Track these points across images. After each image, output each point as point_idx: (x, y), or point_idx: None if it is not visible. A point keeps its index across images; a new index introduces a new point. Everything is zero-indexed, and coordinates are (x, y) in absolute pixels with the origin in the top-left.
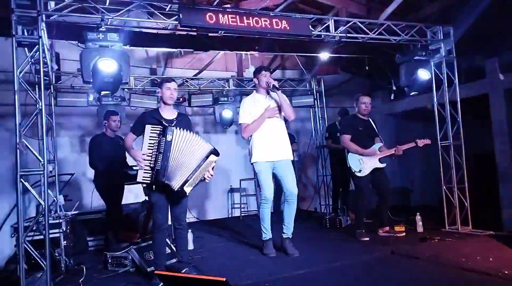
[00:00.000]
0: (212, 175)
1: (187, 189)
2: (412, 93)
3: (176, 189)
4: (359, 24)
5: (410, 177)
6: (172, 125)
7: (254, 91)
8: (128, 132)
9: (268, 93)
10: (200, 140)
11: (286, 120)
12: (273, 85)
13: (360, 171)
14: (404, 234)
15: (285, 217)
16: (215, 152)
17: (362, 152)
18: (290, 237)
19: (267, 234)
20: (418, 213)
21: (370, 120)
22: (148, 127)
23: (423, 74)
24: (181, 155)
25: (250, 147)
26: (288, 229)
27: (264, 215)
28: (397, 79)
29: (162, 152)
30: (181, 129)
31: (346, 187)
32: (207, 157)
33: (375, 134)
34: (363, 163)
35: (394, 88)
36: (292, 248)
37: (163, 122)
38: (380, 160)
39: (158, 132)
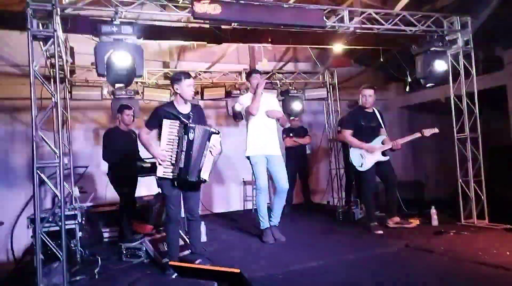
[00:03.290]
0: (215, 148)
1: (205, 175)
2: (429, 85)
3: (195, 180)
4: (374, 15)
5: (424, 170)
6: (189, 120)
7: (249, 92)
8: (143, 127)
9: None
10: (204, 128)
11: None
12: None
13: (361, 165)
14: (413, 224)
15: (274, 208)
16: (214, 132)
17: (361, 146)
18: (277, 225)
19: (264, 222)
20: (433, 207)
21: (376, 111)
22: (166, 122)
23: (440, 65)
24: (197, 150)
25: (246, 141)
26: (276, 218)
27: (260, 204)
28: (413, 70)
29: (185, 150)
30: (200, 126)
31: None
32: (209, 139)
33: (380, 125)
34: (364, 158)
35: (409, 80)
36: (279, 234)
37: (181, 118)
38: (383, 153)
39: (177, 127)
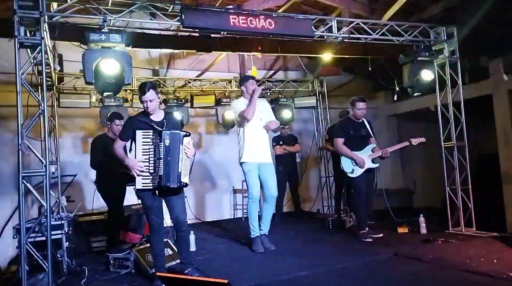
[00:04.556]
0: (190, 149)
1: (185, 179)
2: (416, 94)
3: (177, 186)
4: (362, 25)
5: (413, 178)
6: (163, 127)
7: (242, 97)
8: (116, 139)
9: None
10: (176, 132)
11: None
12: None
13: (352, 171)
14: (381, 235)
15: (263, 216)
16: (185, 134)
17: (351, 156)
18: (266, 233)
19: (255, 231)
20: (421, 215)
21: (365, 121)
22: (139, 133)
23: (427, 75)
24: (173, 155)
25: (240, 148)
26: (265, 226)
27: (252, 212)
28: (400, 80)
29: (162, 157)
30: (172, 131)
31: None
32: (181, 143)
33: (369, 135)
34: (355, 165)
35: (397, 89)
36: (269, 243)
37: (154, 126)
38: (373, 161)
39: (151, 137)
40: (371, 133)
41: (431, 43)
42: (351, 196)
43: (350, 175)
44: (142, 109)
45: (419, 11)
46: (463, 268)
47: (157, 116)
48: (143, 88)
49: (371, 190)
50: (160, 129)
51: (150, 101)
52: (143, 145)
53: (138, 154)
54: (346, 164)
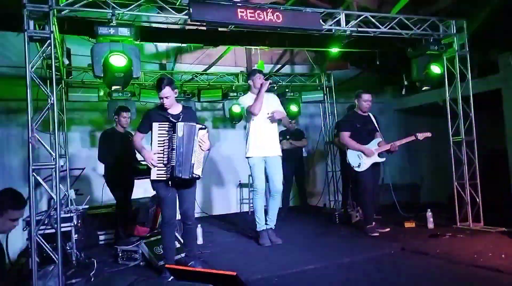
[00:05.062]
0: (204, 143)
1: (198, 171)
2: (424, 88)
3: (189, 177)
4: (370, 18)
5: (420, 173)
6: (179, 120)
7: (249, 92)
8: (135, 131)
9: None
10: (192, 124)
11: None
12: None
13: (359, 165)
14: (388, 229)
15: (270, 210)
16: (200, 127)
17: (359, 148)
18: (273, 227)
19: (261, 224)
20: (429, 210)
21: (371, 115)
22: (155, 125)
23: (436, 69)
24: (187, 146)
25: (247, 142)
26: (272, 220)
27: (257, 206)
28: (409, 74)
29: (175, 148)
30: (186, 123)
31: None
32: (196, 135)
33: (375, 129)
34: (362, 158)
35: (405, 83)
36: (275, 237)
37: (170, 118)
38: (379, 155)
39: (166, 128)
40: (377, 127)
41: (440, 37)
42: (358, 191)
43: (356, 169)
44: (150, 103)
45: (429, 4)
46: (470, 263)
47: (175, 109)
48: (159, 85)
49: (377, 184)
50: (175, 121)
51: (166, 97)
52: (159, 137)
53: (154, 146)
54: (353, 158)
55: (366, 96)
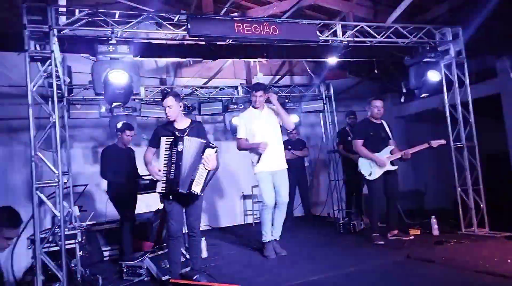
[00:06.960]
0: (209, 162)
1: (197, 188)
2: (423, 95)
3: (186, 192)
4: (367, 28)
5: (423, 179)
6: (185, 134)
7: (251, 106)
8: (147, 146)
9: (263, 106)
10: (198, 140)
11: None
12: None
13: (370, 174)
14: (412, 237)
15: (275, 221)
16: (208, 145)
17: (371, 157)
18: (278, 239)
19: (267, 237)
20: (433, 216)
21: (384, 123)
22: (163, 139)
23: (433, 76)
24: (188, 161)
25: (252, 158)
26: (276, 232)
27: (265, 220)
28: (407, 81)
29: (174, 162)
30: (190, 137)
31: (359, 191)
32: (203, 152)
33: (388, 136)
34: (373, 167)
35: (404, 90)
36: (280, 248)
37: (176, 133)
38: (392, 163)
39: (170, 142)
40: (390, 135)
41: (436, 44)
42: (369, 199)
43: (368, 177)
44: (151, 118)
45: (423, 12)
46: (477, 269)
47: (182, 124)
48: (164, 95)
49: (395, 193)
50: (178, 134)
51: (168, 107)
52: (165, 151)
53: (161, 159)
54: (364, 167)
55: (377, 102)
